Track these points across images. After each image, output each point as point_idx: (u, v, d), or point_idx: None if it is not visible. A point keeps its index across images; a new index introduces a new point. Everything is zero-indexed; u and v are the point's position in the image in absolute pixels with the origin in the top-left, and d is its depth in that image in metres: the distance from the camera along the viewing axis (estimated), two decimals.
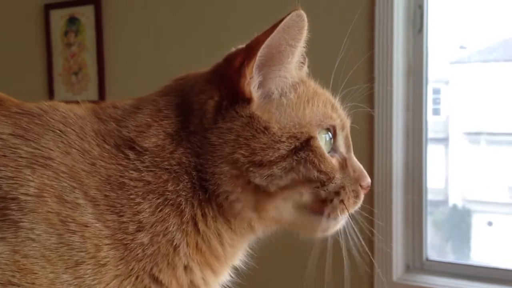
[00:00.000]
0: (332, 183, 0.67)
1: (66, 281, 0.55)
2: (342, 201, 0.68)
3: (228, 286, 0.72)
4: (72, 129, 0.61)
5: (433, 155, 1.91)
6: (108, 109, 0.65)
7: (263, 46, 0.63)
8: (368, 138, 1.82)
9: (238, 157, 0.63)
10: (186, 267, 0.63)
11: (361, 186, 0.71)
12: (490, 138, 2.04)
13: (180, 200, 0.62)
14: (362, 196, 0.71)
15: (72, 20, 2.42)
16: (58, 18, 2.45)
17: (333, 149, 0.70)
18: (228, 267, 0.70)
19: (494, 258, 1.92)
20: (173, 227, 0.61)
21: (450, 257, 1.98)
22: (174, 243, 0.61)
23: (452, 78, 2.09)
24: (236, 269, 0.72)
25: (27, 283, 0.53)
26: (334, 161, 0.68)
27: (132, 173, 0.61)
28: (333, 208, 0.67)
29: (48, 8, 2.47)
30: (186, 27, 2.17)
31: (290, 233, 0.73)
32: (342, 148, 0.71)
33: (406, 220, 1.86)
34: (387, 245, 1.80)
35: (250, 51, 0.63)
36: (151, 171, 0.61)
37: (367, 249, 0.76)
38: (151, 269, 0.60)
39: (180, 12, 2.20)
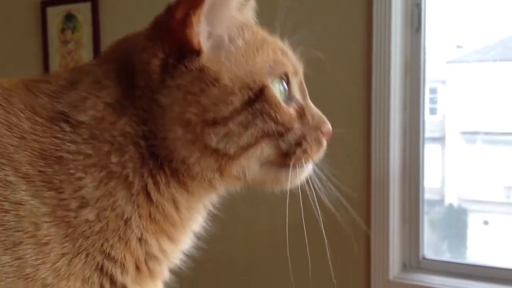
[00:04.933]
0: (291, 133, 0.64)
1: (7, 263, 0.52)
2: (305, 151, 0.65)
3: (190, 252, 0.69)
4: None
5: (429, 154, 1.91)
6: (40, 84, 0.61)
7: None
8: (365, 137, 1.82)
9: (190, 116, 0.59)
10: (140, 239, 0.60)
11: (321, 132, 0.68)
12: (486, 138, 2.04)
13: (127, 172, 0.59)
14: (324, 143, 0.69)
15: (69, 17, 2.41)
16: (55, 15, 2.44)
17: (289, 97, 0.66)
18: (187, 233, 0.67)
19: (490, 257, 1.92)
20: (121, 201, 0.58)
21: (446, 256, 1.99)
22: (125, 217, 0.59)
23: (448, 77, 2.09)
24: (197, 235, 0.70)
25: None
26: (291, 110, 0.65)
27: (69, 146, 0.57)
28: (297, 159, 0.65)
29: (44, 5, 2.46)
30: None
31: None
32: (297, 95, 0.68)
33: (403, 218, 1.86)
34: (383, 244, 1.80)
35: None
36: (89, 143, 0.58)
37: (341, 198, 0.74)
38: (102, 245, 0.57)
39: None
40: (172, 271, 0.68)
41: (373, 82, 1.78)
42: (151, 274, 0.63)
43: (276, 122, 0.63)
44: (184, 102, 0.59)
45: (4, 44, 2.55)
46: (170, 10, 0.60)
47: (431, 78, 1.93)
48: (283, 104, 0.64)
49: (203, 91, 0.59)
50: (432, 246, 1.98)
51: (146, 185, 0.60)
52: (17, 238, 0.53)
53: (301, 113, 0.67)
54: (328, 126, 0.69)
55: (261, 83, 0.62)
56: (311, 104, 0.69)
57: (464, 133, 2.10)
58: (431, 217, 2.02)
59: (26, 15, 2.51)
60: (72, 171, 0.56)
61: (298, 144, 0.65)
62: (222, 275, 2.09)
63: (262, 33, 0.67)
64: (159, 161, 0.60)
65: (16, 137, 0.55)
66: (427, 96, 1.88)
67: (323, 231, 0.79)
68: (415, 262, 1.86)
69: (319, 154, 0.69)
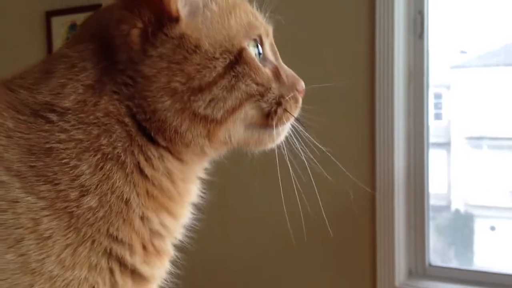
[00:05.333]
0: (271, 93, 0.66)
1: (11, 260, 0.53)
2: (285, 110, 0.67)
3: (191, 226, 0.70)
4: None
5: (435, 160, 1.90)
6: (16, 80, 0.61)
7: None
8: (369, 143, 1.81)
9: (176, 85, 0.59)
10: (142, 218, 0.61)
11: (297, 90, 0.70)
12: (492, 143, 2.03)
13: (118, 152, 0.59)
14: (300, 100, 0.71)
15: (74, 27, 2.43)
16: (60, 25, 2.46)
17: (263, 59, 0.67)
18: (186, 206, 0.67)
19: (497, 263, 1.91)
20: (119, 182, 0.58)
21: (453, 263, 1.97)
22: (125, 198, 0.59)
23: (453, 82, 2.09)
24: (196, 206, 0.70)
25: None
26: (267, 71, 0.67)
27: (59, 135, 0.57)
28: (278, 118, 0.67)
29: (49, 15, 2.48)
30: None
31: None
32: (270, 56, 0.69)
33: (408, 225, 1.85)
34: (389, 251, 1.79)
35: None
36: (79, 128, 0.57)
37: (327, 154, 0.74)
38: (108, 230, 0.58)
39: None
40: (177, 247, 0.68)
41: (377, 88, 1.78)
42: (158, 252, 0.64)
43: (257, 83, 0.64)
44: (168, 71, 0.59)
45: (10, 53, 2.57)
46: None
47: (435, 83, 1.93)
48: (260, 65, 0.65)
49: (186, 59, 0.60)
50: (439, 253, 1.97)
51: (138, 163, 0.60)
52: (18, 235, 0.53)
53: (276, 73, 0.68)
54: (302, 84, 0.70)
55: (239, 46, 0.63)
56: (283, 64, 0.71)
57: (469, 138, 2.09)
58: (437, 223, 2.01)
59: (31, 25, 2.53)
60: (65, 160, 0.56)
61: (278, 103, 0.67)
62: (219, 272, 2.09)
63: None
64: (148, 136, 0.61)
65: (3, 136, 0.55)
66: (431, 101, 1.88)
67: (329, 228, 0.79)
68: (421, 269, 1.85)
69: (297, 110, 0.71)
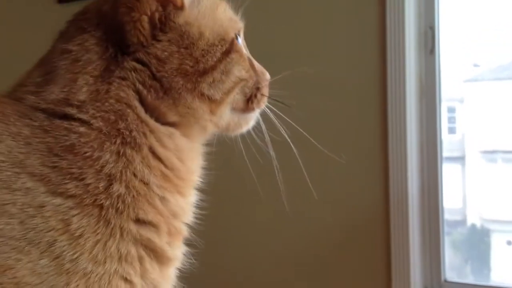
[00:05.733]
0: (251, 79, 0.73)
1: (46, 265, 0.54)
2: (263, 94, 0.75)
3: (197, 205, 0.72)
4: None
5: (449, 174, 1.89)
6: (20, 89, 0.63)
7: None
8: (382, 158, 1.81)
9: (187, 67, 0.65)
10: (161, 199, 0.63)
11: (266, 79, 0.77)
12: (506, 156, 2.01)
13: (134, 135, 0.62)
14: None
15: None
16: (72, 13, 2.43)
17: None
18: (192, 185, 0.70)
19: None
20: (139, 166, 0.61)
21: (469, 278, 1.95)
22: (146, 180, 0.62)
23: (466, 96, 2.08)
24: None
25: (9, 279, 0.52)
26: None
27: (79, 129, 0.59)
28: (258, 102, 0.74)
29: (62, 2, 2.40)
30: None
31: None
32: (244, 49, 0.75)
33: (423, 240, 1.84)
34: (404, 267, 1.78)
35: None
36: (97, 117, 0.60)
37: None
38: (137, 214, 0.60)
39: None
40: (190, 227, 0.70)
41: (389, 104, 1.79)
42: (177, 232, 0.66)
43: (244, 69, 0.71)
44: (179, 55, 0.65)
45: (23, 42, 2.59)
46: None
47: (448, 97, 1.92)
48: (245, 55, 0.72)
49: (193, 44, 0.66)
50: (455, 268, 1.94)
51: (151, 144, 0.63)
52: (50, 238, 0.54)
53: (251, 64, 0.75)
54: (268, 74, 0.78)
55: (231, 36, 0.70)
56: (252, 58, 0.78)
57: (484, 152, 2.07)
58: (453, 239, 1.99)
59: (43, 14, 2.47)
60: (88, 153, 0.58)
61: (258, 88, 0.74)
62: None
63: None
64: (156, 117, 0.64)
65: (22, 144, 0.57)
66: (444, 116, 1.87)
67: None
68: (437, 285, 1.83)
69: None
